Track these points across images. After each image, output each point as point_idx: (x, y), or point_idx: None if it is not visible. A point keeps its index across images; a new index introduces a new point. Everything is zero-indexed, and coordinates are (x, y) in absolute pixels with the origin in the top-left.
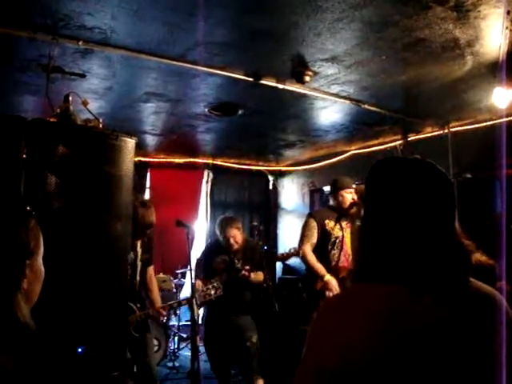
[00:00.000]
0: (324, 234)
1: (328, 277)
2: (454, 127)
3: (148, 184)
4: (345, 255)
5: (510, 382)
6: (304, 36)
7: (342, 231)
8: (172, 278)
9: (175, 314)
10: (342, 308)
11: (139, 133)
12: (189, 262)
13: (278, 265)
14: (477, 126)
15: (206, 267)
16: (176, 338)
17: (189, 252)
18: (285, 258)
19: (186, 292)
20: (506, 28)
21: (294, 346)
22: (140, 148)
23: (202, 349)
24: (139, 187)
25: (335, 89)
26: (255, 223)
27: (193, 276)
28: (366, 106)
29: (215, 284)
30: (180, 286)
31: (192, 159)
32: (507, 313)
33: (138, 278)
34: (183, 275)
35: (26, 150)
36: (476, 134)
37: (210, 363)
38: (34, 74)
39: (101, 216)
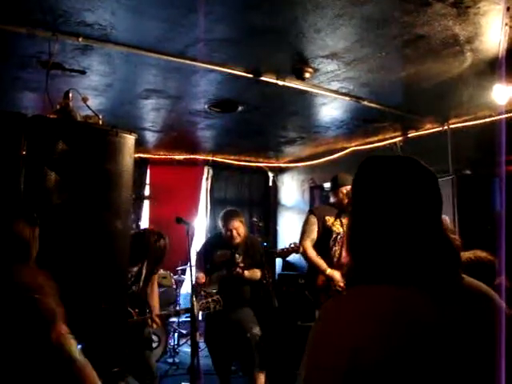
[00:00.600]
0: (325, 231)
1: (330, 271)
2: (454, 124)
3: (148, 181)
4: (346, 251)
5: (509, 376)
6: (304, 32)
7: (343, 227)
8: (172, 275)
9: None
10: (350, 308)
11: (139, 129)
12: (189, 259)
13: (278, 261)
14: (476, 122)
15: (206, 260)
16: (176, 334)
17: (189, 249)
18: (284, 254)
19: (185, 288)
20: (506, 25)
21: (294, 342)
22: (140, 144)
23: (201, 345)
24: (139, 184)
25: (335, 85)
26: (255, 220)
27: (193, 273)
28: (366, 103)
29: (215, 298)
30: (180, 283)
31: (192, 156)
32: (502, 308)
33: (141, 283)
34: (183, 272)
35: (25, 147)
36: (475, 131)
37: (212, 359)
38: (34, 71)
39: (100, 212)
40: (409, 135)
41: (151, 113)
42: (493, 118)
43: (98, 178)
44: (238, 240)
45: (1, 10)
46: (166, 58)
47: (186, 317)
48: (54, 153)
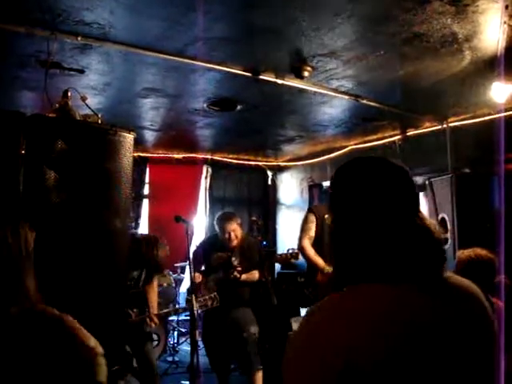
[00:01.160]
0: (325, 229)
1: (328, 268)
2: (453, 122)
3: (147, 179)
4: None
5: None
6: (303, 31)
7: None
8: (171, 273)
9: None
10: (344, 308)
11: (138, 128)
12: (188, 257)
13: None
14: (475, 120)
15: (202, 262)
16: (175, 333)
17: (188, 247)
18: (283, 260)
19: (184, 287)
20: (504, 23)
21: None
22: (139, 143)
23: (201, 343)
24: (138, 183)
25: (334, 84)
26: (254, 218)
27: (192, 271)
28: (365, 101)
29: (212, 295)
30: (179, 281)
31: (191, 154)
32: (486, 305)
33: (141, 283)
34: (182, 270)
35: (24, 146)
36: (474, 129)
37: (209, 359)
38: (33, 70)
39: (99, 211)
40: (408, 134)
41: (150, 112)
42: (492, 117)
43: (97, 176)
44: (234, 243)
45: (0, 9)
46: (164, 56)
47: (186, 315)
48: (52, 152)
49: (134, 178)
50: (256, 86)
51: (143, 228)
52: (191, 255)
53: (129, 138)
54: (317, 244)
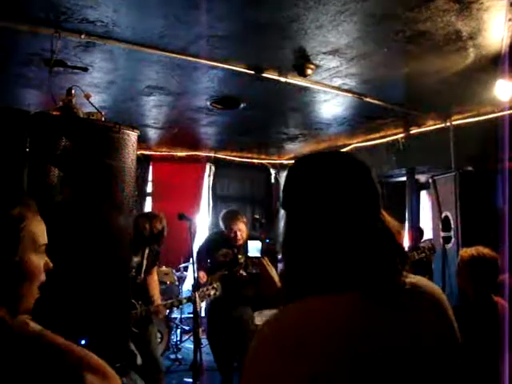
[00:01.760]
0: None
1: None
2: (456, 120)
3: (150, 177)
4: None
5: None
6: (306, 29)
7: None
8: (174, 271)
9: (177, 307)
10: (300, 327)
11: (141, 126)
12: (191, 255)
13: None
14: (479, 118)
15: (207, 259)
16: (178, 331)
17: (191, 245)
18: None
19: (188, 285)
20: (509, 20)
21: None
22: (142, 141)
23: (204, 341)
24: (141, 180)
25: (337, 82)
26: (257, 216)
27: (195, 269)
28: (368, 99)
29: (215, 285)
30: (182, 279)
31: (194, 152)
32: (447, 306)
33: (142, 275)
34: (185, 268)
35: (29, 143)
36: (478, 127)
37: (214, 356)
38: (37, 68)
39: (103, 209)
40: (411, 132)
41: (153, 109)
42: (495, 114)
43: (101, 174)
44: (241, 241)
45: (4, 7)
46: (168, 54)
47: (189, 313)
48: (56, 149)
49: (137, 176)
50: (259, 84)
51: None
52: (195, 254)
53: (132, 135)
54: None
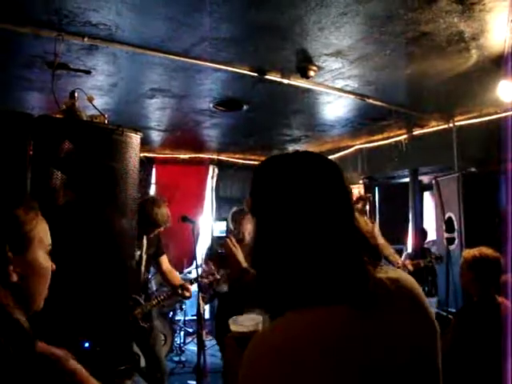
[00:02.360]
0: None
1: None
2: (459, 121)
3: (153, 180)
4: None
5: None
6: (308, 31)
7: None
8: (178, 273)
9: (181, 309)
10: (290, 347)
11: (144, 129)
12: (194, 257)
13: None
14: (482, 119)
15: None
16: (182, 333)
17: (194, 247)
18: None
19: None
20: None
21: None
22: (145, 144)
23: (207, 343)
24: (145, 183)
25: (340, 83)
26: None
27: (199, 272)
28: (371, 101)
29: (216, 276)
30: (186, 281)
31: (197, 155)
32: (421, 293)
33: (143, 269)
34: (189, 271)
35: (32, 146)
36: (481, 128)
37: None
38: (40, 71)
39: (106, 211)
40: (414, 133)
41: (156, 112)
42: (498, 115)
43: (104, 177)
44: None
45: (7, 10)
46: (170, 57)
47: (192, 315)
48: (60, 152)
49: (141, 179)
50: (262, 85)
51: None
52: (204, 257)
53: (135, 138)
54: None
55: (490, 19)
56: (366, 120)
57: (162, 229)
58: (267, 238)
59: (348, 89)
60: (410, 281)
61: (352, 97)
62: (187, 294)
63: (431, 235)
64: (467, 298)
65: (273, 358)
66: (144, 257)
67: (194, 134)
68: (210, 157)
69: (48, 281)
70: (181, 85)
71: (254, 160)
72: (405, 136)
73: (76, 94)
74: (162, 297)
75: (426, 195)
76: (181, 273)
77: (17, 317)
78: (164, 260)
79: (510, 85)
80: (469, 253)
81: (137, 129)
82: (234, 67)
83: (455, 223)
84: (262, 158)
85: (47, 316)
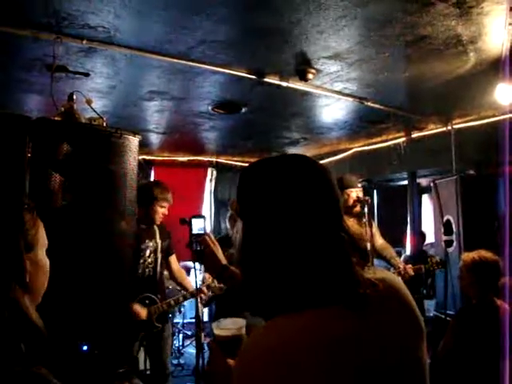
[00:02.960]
0: None
1: None
2: (457, 124)
3: None
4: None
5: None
6: (307, 34)
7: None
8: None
9: (180, 312)
10: (288, 352)
11: (143, 131)
12: (193, 260)
13: None
14: (480, 122)
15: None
16: (181, 336)
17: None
18: None
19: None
20: (509, 24)
21: None
22: (144, 146)
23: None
24: None
25: (338, 86)
26: None
27: (197, 274)
28: (369, 104)
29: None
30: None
31: (196, 157)
32: (407, 292)
33: (158, 268)
34: (188, 272)
35: (30, 149)
36: (479, 131)
37: None
38: (38, 73)
39: (105, 214)
40: (412, 136)
41: (155, 114)
42: (496, 118)
43: (103, 179)
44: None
45: (5, 13)
46: (169, 59)
47: (191, 318)
48: (58, 155)
49: (139, 181)
50: (260, 88)
51: None
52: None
53: (134, 140)
54: None
55: (488, 23)
56: (364, 123)
57: (164, 208)
58: (254, 240)
59: (346, 91)
60: (397, 281)
61: (350, 99)
62: (203, 297)
63: (429, 238)
64: (466, 301)
65: (267, 360)
66: (159, 255)
67: (192, 136)
68: (209, 159)
69: (48, 278)
70: (179, 87)
71: None
72: (403, 139)
73: (74, 97)
74: (180, 298)
75: (425, 198)
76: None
77: (33, 318)
78: (174, 259)
79: (508, 88)
80: (468, 256)
81: (135, 131)
82: (232, 70)
83: (453, 226)
84: None
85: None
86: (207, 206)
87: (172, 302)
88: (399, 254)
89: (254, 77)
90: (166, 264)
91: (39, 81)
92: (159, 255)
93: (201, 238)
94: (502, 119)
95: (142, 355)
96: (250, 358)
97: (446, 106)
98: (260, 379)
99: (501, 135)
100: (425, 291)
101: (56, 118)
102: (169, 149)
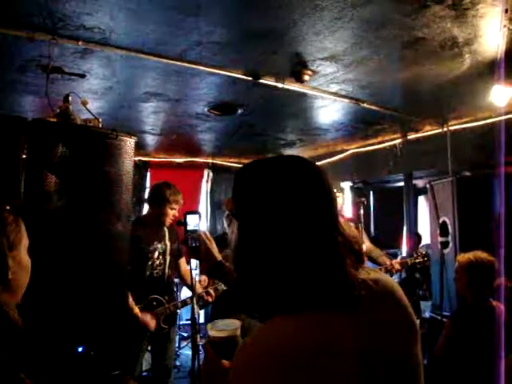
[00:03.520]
0: None
1: None
2: (453, 125)
3: (148, 184)
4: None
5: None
6: (303, 35)
7: None
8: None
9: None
10: (277, 348)
11: (139, 132)
12: (189, 261)
13: None
14: (476, 124)
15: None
16: (177, 337)
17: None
18: None
19: (186, 292)
20: (504, 26)
21: None
22: (140, 148)
23: (202, 348)
24: (139, 187)
25: (334, 88)
26: None
27: (193, 275)
28: (365, 105)
29: (218, 287)
30: (180, 286)
31: (192, 159)
32: (401, 292)
33: (167, 270)
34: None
35: (26, 150)
36: (475, 132)
37: None
38: (34, 75)
39: (100, 216)
40: (408, 137)
41: (151, 116)
42: (492, 120)
43: (98, 181)
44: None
45: (0, 13)
46: (165, 61)
47: (187, 319)
48: (54, 156)
49: (135, 183)
50: (256, 90)
51: None
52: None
53: (130, 142)
54: None
55: (483, 25)
56: (360, 124)
57: (175, 210)
58: (249, 241)
59: (343, 93)
60: (391, 281)
61: (346, 101)
62: (210, 300)
63: (426, 239)
64: (462, 302)
65: (264, 361)
66: (168, 257)
67: (188, 137)
68: (205, 161)
69: (29, 276)
70: (175, 89)
71: None
72: (399, 140)
73: (70, 98)
74: (188, 300)
75: (421, 199)
76: (176, 277)
77: (12, 316)
78: (183, 261)
79: (503, 89)
80: (464, 257)
81: (131, 133)
82: (228, 71)
83: (449, 227)
84: None
85: (42, 320)
86: (203, 208)
87: (179, 304)
88: (395, 255)
89: (250, 78)
90: (176, 266)
91: (35, 82)
92: (168, 257)
93: (196, 234)
94: (497, 121)
95: (147, 356)
96: (247, 358)
97: (442, 107)
98: (258, 380)
99: (496, 137)
100: (421, 292)
101: (51, 119)
102: (165, 150)
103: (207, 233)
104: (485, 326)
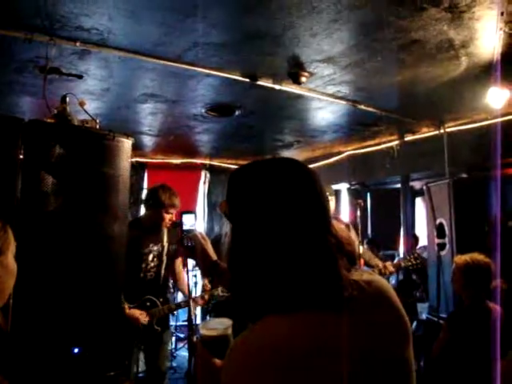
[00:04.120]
0: None
1: None
2: (450, 127)
3: (145, 185)
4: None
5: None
6: (300, 37)
7: None
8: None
9: (173, 314)
10: (268, 348)
11: (136, 133)
12: (185, 263)
13: None
14: (472, 126)
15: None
16: (173, 339)
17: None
18: None
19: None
20: (500, 29)
21: None
22: (137, 149)
23: None
24: (136, 188)
25: (331, 89)
26: None
27: (189, 277)
28: (362, 107)
29: (214, 292)
30: (176, 288)
31: (189, 160)
32: (393, 293)
33: (162, 272)
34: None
35: (23, 151)
36: (471, 134)
37: None
38: (31, 75)
39: (97, 216)
40: (405, 139)
41: (148, 117)
42: (488, 122)
43: (95, 181)
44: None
45: None
46: (163, 62)
47: (184, 320)
48: (51, 157)
49: (132, 184)
50: (254, 91)
51: None
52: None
53: (127, 143)
54: None
55: (479, 27)
56: (357, 126)
57: (171, 214)
58: (242, 242)
59: (339, 95)
60: (384, 282)
61: (343, 103)
62: (201, 304)
63: (423, 241)
64: (458, 304)
65: (256, 360)
66: (165, 258)
67: (186, 139)
68: (202, 162)
69: (15, 280)
70: (173, 90)
71: None
72: (396, 142)
73: (67, 99)
74: (182, 303)
75: (418, 201)
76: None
77: None
78: (178, 262)
79: (499, 91)
80: (460, 258)
81: (128, 134)
82: (225, 73)
83: (446, 229)
84: None
85: (39, 321)
86: (200, 209)
87: (173, 306)
88: (393, 257)
89: (247, 80)
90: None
91: (32, 83)
92: (164, 258)
93: (191, 234)
94: (493, 123)
95: (140, 358)
96: (240, 358)
97: (439, 109)
98: (251, 380)
99: (493, 138)
100: (417, 294)
101: (49, 120)
102: (162, 151)
103: (203, 233)
104: (481, 328)
